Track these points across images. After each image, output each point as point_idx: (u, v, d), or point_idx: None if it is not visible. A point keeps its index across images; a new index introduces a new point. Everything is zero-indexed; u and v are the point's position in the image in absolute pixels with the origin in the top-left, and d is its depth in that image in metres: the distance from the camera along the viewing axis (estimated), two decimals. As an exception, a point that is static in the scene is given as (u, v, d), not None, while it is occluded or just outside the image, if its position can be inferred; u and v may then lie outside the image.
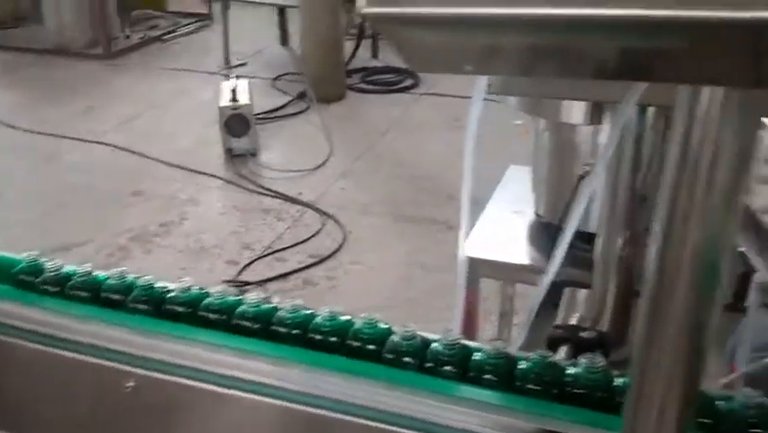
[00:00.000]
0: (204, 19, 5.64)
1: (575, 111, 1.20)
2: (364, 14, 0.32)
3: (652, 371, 0.41)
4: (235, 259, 2.96)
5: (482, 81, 0.91)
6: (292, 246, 2.96)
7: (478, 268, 1.50)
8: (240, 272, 2.86)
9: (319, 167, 3.59)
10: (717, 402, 0.58)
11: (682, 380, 0.41)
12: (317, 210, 3.21)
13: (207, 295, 0.73)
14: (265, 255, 2.95)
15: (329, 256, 2.87)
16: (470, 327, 1.57)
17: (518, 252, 1.46)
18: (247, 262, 2.92)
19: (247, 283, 2.77)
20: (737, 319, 0.85)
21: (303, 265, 2.85)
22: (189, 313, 0.72)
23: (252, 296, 0.71)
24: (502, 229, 1.54)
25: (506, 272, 1.50)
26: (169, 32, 5.45)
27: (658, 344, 0.40)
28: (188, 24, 5.60)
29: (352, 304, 2.60)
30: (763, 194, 1.04)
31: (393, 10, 0.32)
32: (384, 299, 2.56)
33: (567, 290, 1.08)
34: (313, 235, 3.02)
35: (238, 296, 0.72)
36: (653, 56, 0.32)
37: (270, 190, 3.41)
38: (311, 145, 3.80)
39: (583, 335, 0.71)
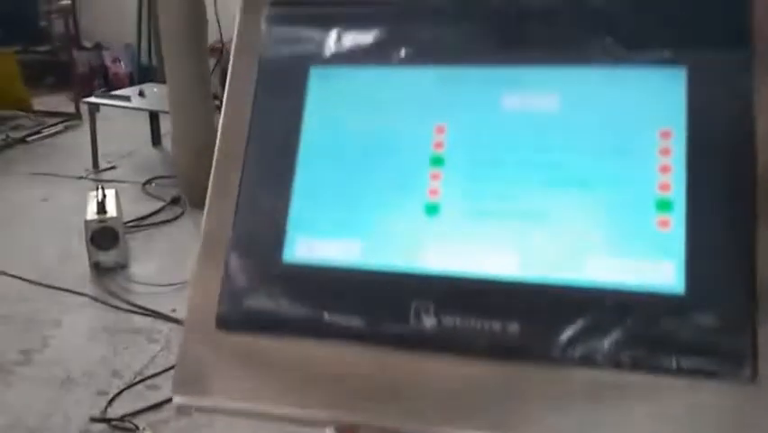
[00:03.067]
0: (72, 119, 5.44)
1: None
2: None
3: None
4: (104, 389, 2.77)
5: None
6: (165, 371, 2.81)
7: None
8: (108, 404, 2.68)
9: (194, 279, 3.45)
10: None
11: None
12: (192, 327, 3.07)
13: None
14: (135, 383, 2.78)
15: (205, 381, 2.74)
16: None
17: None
18: (116, 391, 2.74)
19: (113, 420, 2.59)
20: None
21: (177, 393, 2.69)
22: None
23: None
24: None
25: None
26: (34, 133, 5.21)
27: None
28: (55, 124, 5.38)
29: (230, 435, 2.48)
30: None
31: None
32: (261, 427, 2.45)
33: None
34: (188, 357, 2.88)
35: None
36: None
37: (141, 308, 3.25)
38: (186, 255, 3.67)
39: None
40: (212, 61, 4.27)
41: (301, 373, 0.61)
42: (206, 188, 0.71)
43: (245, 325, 0.65)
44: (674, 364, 0.57)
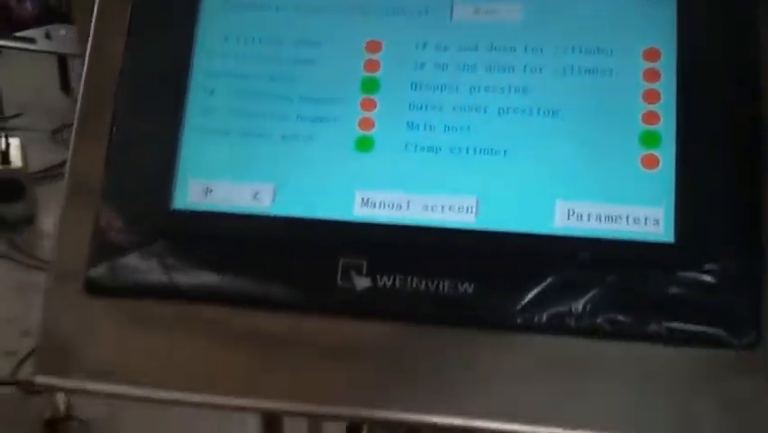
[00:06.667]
0: (-29, 62, 5.05)
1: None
2: None
3: None
4: (13, 349, 2.60)
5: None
6: (78, 332, 2.64)
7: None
8: (18, 365, 2.51)
9: (110, 232, 3.27)
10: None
11: None
12: (108, 284, 2.91)
13: None
14: (46, 345, 2.61)
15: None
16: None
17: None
18: (27, 352, 2.57)
19: (23, 382, 2.43)
20: None
21: (91, 354, 2.55)
22: None
23: None
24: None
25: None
26: (-70, 77, 4.81)
27: None
28: (-47, 68, 4.98)
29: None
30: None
31: None
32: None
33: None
34: (103, 315, 2.72)
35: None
36: None
37: (52, 264, 3.05)
38: (99, 208, 3.47)
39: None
40: None
41: (194, 347, 0.49)
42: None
43: (122, 288, 0.52)
44: (662, 329, 0.47)
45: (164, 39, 0.58)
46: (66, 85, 4.60)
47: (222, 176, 0.54)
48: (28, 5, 5.63)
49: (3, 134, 3.35)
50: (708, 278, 0.47)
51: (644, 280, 0.48)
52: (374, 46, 0.56)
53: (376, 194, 0.53)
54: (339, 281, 0.50)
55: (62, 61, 4.46)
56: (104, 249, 0.53)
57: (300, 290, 0.51)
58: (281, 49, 0.56)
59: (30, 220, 3.30)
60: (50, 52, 4.30)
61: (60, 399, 2.33)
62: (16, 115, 4.41)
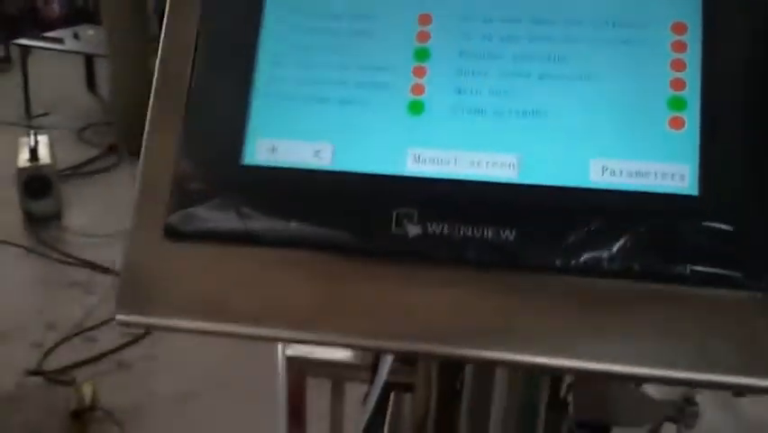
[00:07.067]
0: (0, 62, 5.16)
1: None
2: None
3: None
4: (39, 341, 2.66)
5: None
6: (103, 324, 2.70)
7: (302, 367, 1.41)
8: (44, 357, 2.57)
9: (134, 229, 3.33)
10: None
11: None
12: (133, 279, 2.97)
13: None
14: (73, 336, 2.67)
15: (147, 333, 2.65)
16: (296, 430, 1.48)
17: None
18: (52, 344, 2.63)
19: (50, 373, 2.49)
20: None
21: (117, 345, 2.61)
22: None
23: None
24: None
25: (332, 371, 1.42)
26: (-41, 77, 4.93)
27: None
28: (-18, 68, 5.09)
29: (172, 387, 2.42)
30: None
31: None
32: (207, 380, 2.40)
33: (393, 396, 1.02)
34: (128, 308, 2.78)
35: None
36: None
37: (77, 259, 3.12)
38: (123, 205, 3.52)
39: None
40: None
41: (263, 286, 0.54)
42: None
43: (198, 233, 0.58)
44: (687, 272, 0.52)
45: (235, 15, 0.64)
46: (92, 84, 4.69)
47: (286, 136, 0.60)
48: (55, 6, 5.75)
49: (31, 132, 3.43)
50: (728, 226, 0.52)
51: (670, 229, 0.53)
52: (425, 19, 0.61)
53: (426, 152, 0.58)
54: (393, 229, 0.56)
55: (89, 61, 4.55)
56: (181, 198, 0.58)
57: (359, 236, 0.56)
58: (340, 22, 0.62)
59: (57, 216, 3.38)
60: (77, 52, 4.39)
61: (86, 389, 2.39)
62: (44, 114, 4.50)
